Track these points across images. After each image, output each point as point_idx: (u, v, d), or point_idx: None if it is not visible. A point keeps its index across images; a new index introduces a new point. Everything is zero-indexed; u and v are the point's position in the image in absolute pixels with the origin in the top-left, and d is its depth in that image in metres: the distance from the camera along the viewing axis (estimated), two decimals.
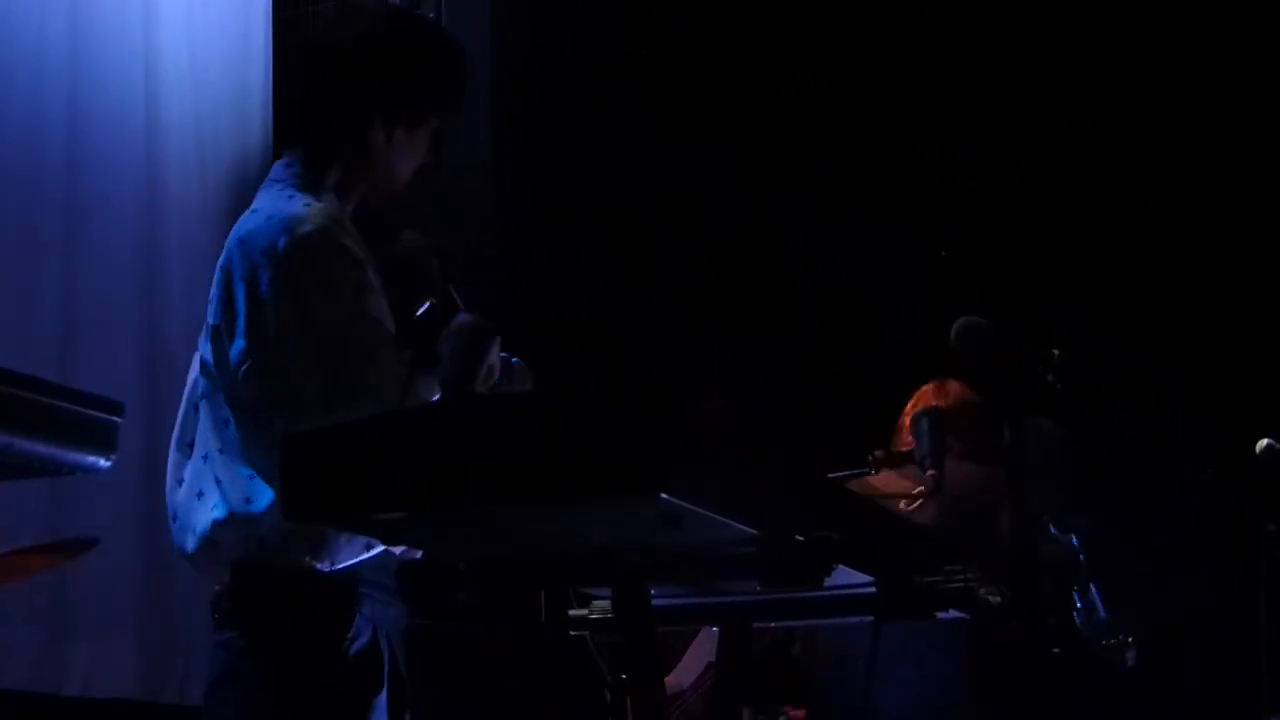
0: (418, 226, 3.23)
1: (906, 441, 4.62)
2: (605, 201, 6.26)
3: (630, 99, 6.10)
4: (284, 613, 2.90)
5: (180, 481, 3.04)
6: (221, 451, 2.94)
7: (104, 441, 2.63)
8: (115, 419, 2.65)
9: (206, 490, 2.96)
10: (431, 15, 5.21)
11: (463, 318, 3.01)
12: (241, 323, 2.91)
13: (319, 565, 2.88)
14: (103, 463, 2.65)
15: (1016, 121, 6.35)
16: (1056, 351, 3.37)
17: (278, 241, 2.88)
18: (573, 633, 2.63)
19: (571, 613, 2.64)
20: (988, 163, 6.29)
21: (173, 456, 3.08)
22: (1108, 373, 3.50)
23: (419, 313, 2.97)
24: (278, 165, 3.11)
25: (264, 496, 2.87)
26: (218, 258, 3.02)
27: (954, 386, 4.49)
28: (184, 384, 3.14)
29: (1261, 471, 4.28)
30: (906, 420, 4.67)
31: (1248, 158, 6.31)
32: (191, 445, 3.03)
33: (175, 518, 3.04)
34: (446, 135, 5.21)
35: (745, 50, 6.33)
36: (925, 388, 4.53)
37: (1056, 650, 4.20)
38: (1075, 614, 4.22)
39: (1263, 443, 4.36)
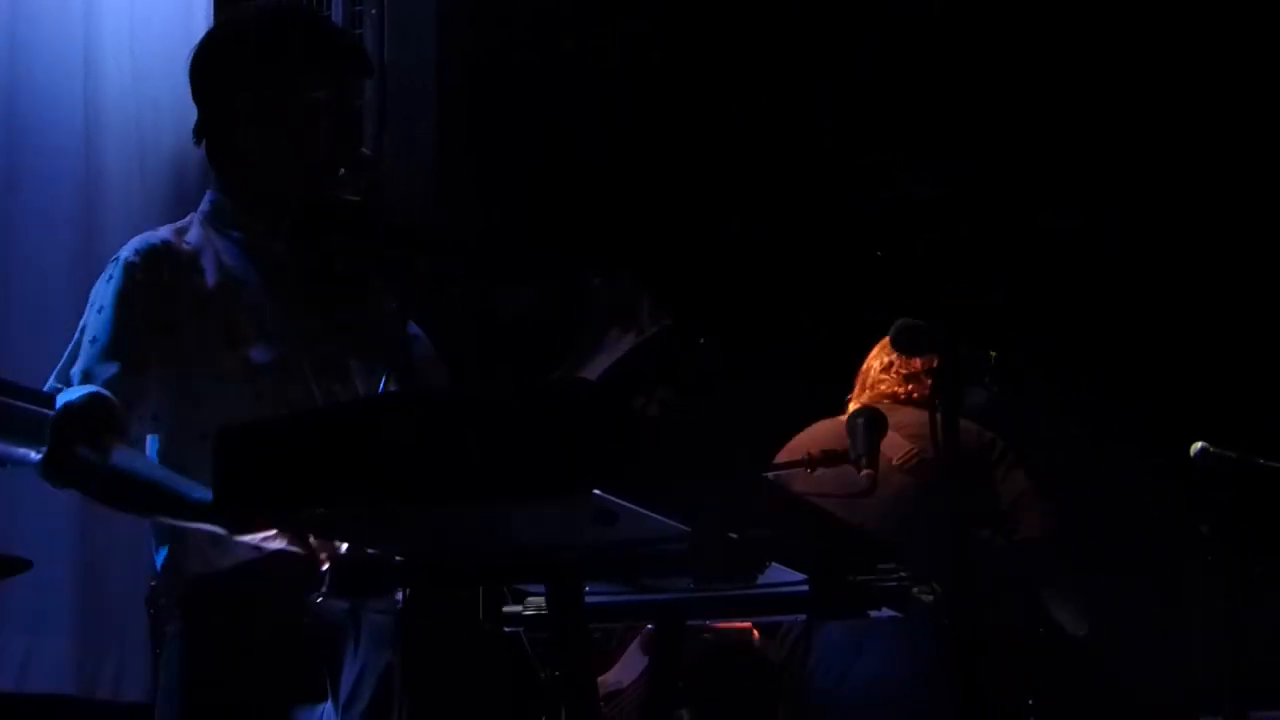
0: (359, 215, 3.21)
1: (866, 388, 4.69)
2: (551, 192, 6.27)
3: (576, 89, 6.10)
4: (208, 609, 2.89)
5: None
6: None
7: (35, 434, 2.62)
8: (46, 411, 2.64)
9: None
10: (374, 11, 5.20)
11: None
12: None
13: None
14: (34, 455, 2.64)
15: (955, 129, 6.39)
16: (993, 353, 3.40)
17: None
18: (507, 629, 2.63)
19: (506, 609, 2.63)
20: (930, 168, 6.33)
21: None
22: (1043, 375, 3.53)
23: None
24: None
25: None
26: None
27: None
28: None
29: (1196, 474, 4.31)
30: (872, 364, 4.73)
31: (1193, 162, 6.38)
32: None
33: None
34: (390, 129, 5.21)
35: (690, 42, 6.35)
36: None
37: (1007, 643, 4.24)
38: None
39: (1197, 445, 4.39)
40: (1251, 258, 6.36)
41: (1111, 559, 5.02)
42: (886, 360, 4.66)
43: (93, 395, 2.80)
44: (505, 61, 6.02)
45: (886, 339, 4.69)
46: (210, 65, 3.07)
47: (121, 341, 2.88)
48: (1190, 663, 4.20)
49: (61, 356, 2.90)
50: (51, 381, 2.88)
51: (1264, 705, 4.53)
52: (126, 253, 2.98)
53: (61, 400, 2.79)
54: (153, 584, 2.97)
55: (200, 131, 3.09)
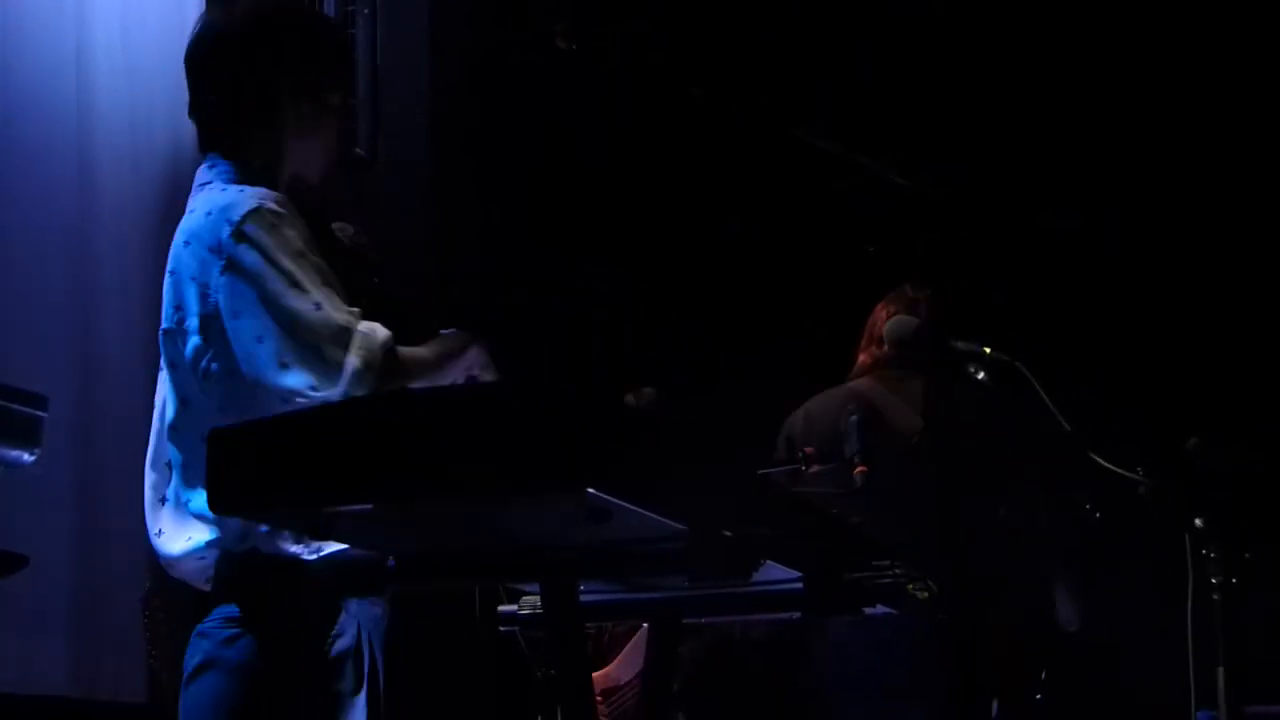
0: (350, 220, 3.22)
1: (875, 339, 4.70)
2: (548, 192, 6.26)
3: (573, 89, 6.10)
4: (269, 602, 2.88)
5: (163, 500, 2.98)
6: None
7: (29, 436, 2.61)
8: (40, 413, 2.63)
9: (183, 499, 2.93)
10: (367, 11, 5.20)
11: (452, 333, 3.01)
12: (194, 321, 2.88)
13: (303, 552, 2.85)
14: (26, 457, 2.64)
15: (955, 128, 6.39)
16: (987, 349, 3.40)
17: (221, 232, 2.86)
18: (502, 628, 2.63)
19: (501, 608, 2.63)
20: (930, 168, 6.32)
21: (150, 477, 3.03)
22: (1036, 368, 3.53)
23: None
24: (201, 169, 3.08)
25: None
26: (151, 253, 3.00)
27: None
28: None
29: (1191, 468, 4.31)
30: (880, 315, 4.74)
31: (1193, 162, 6.37)
32: (170, 465, 2.98)
33: (161, 533, 2.99)
34: (384, 129, 5.20)
35: (690, 42, 6.35)
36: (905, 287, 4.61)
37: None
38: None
39: (1192, 439, 4.38)
40: (1250, 257, 6.36)
41: (1110, 557, 5.02)
42: (892, 310, 4.68)
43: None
44: (500, 61, 6.02)
45: (895, 290, 4.72)
46: (266, 40, 3.04)
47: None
48: (1186, 657, 4.19)
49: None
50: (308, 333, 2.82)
51: (1260, 699, 4.53)
52: (269, 204, 2.91)
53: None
54: (149, 584, 2.97)
55: (227, 104, 3.04)
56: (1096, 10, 6.40)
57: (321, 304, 2.81)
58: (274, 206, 2.88)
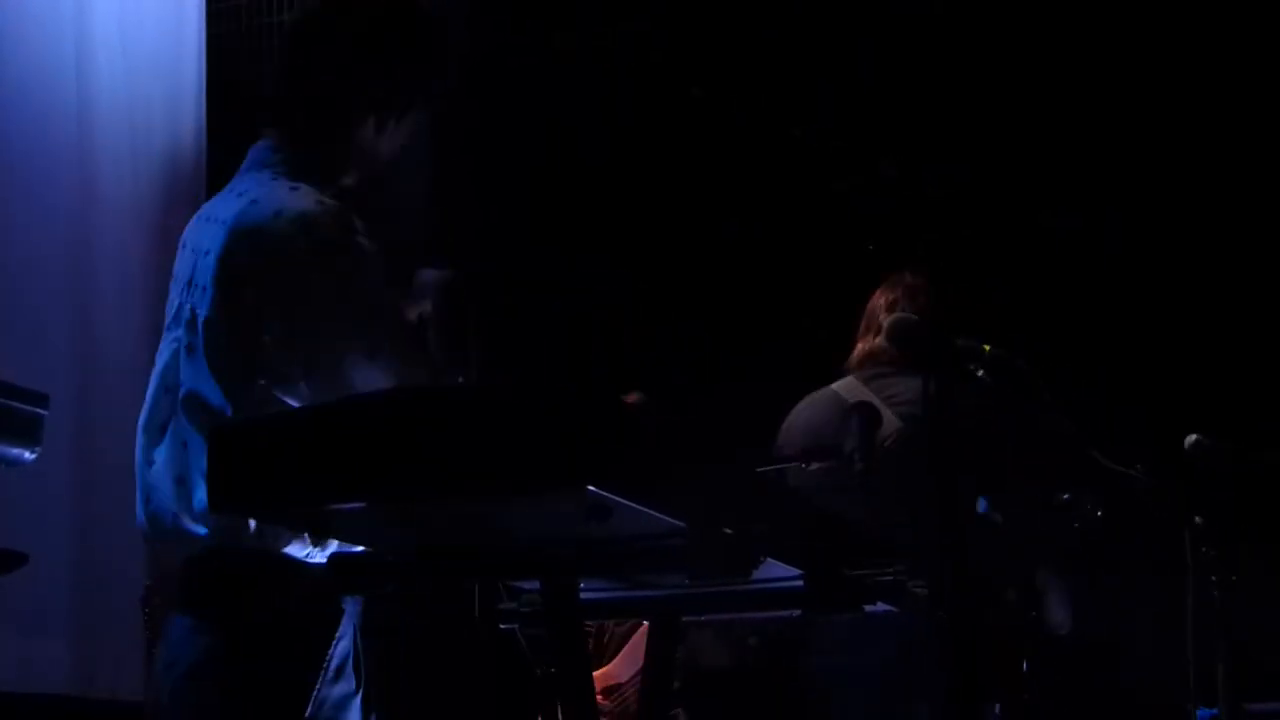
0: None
1: (874, 328, 4.69)
2: (549, 193, 6.27)
3: (575, 90, 6.11)
4: (249, 600, 2.85)
5: (152, 463, 2.91)
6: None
7: (29, 434, 2.61)
8: (40, 411, 2.63)
9: (191, 480, 2.87)
10: None
11: (430, 275, 2.95)
12: (244, 322, 2.79)
13: (299, 552, 2.83)
14: (27, 455, 2.63)
15: (955, 128, 6.39)
16: (986, 346, 3.40)
17: (295, 241, 2.76)
18: (502, 626, 2.63)
19: (501, 606, 2.63)
20: (930, 168, 6.33)
21: (142, 439, 2.94)
22: (1036, 367, 3.53)
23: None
24: (259, 148, 2.96)
25: None
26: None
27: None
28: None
29: (1190, 467, 4.31)
30: (879, 301, 4.73)
31: (1193, 162, 6.38)
32: (164, 429, 2.92)
33: (149, 499, 2.93)
34: None
35: (690, 42, 6.36)
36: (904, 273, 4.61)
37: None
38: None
39: (1191, 438, 4.39)
40: (1250, 257, 6.36)
41: (1109, 557, 5.02)
42: (891, 298, 4.68)
43: None
44: (501, 64, 6.02)
45: (893, 275, 4.72)
46: (378, 45, 2.94)
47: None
48: (1185, 655, 4.19)
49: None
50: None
51: (1260, 697, 4.53)
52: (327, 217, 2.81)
53: None
54: (149, 583, 2.96)
55: (316, 97, 2.93)
56: (1096, 10, 6.41)
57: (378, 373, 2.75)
58: (359, 239, 2.79)
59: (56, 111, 4.76)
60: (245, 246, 2.80)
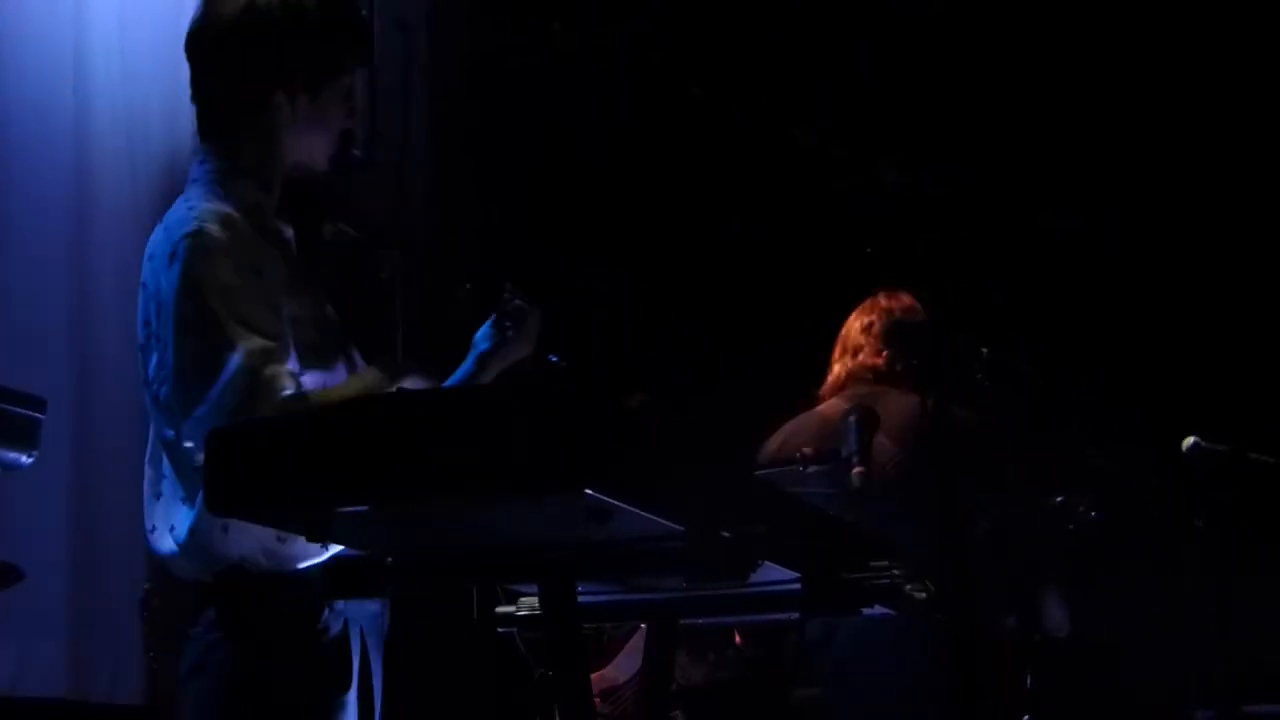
0: (349, 221, 3.21)
1: (849, 350, 4.68)
2: (549, 193, 6.26)
3: (574, 89, 6.10)
4: (248, 605, 2.87)
5: (158, 496, 2.98)
6: (173, 473, 2.92)
7: (26, 438, 2.61)
8: (38, 415, 2.63)
9: (174, 514, 2.93)
10: (365, 12, 5.18)
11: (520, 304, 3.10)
12: (152, 339, 2.88)
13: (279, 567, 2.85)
14: (24, 459, 2.63)
15: (955, 128, 6.39)
16: (985, 349, 3.40)
17: (170, 252, 2.85)
18: (500, 629, 2.63)
19: (499, 609, 2.63)
20: (930, 168, 6.32)
21: (148, 472, 3.03)
22: (1035, 369, 3.53)
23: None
24: (193, 166, 3.05)
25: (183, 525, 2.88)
26: None
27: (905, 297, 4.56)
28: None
29: (1188, 469, 4.31)
30: (854, 326, 4.72)
31: (1193, 162, 6.37)
32: (154, 464, 3.00)
33: (154, 529, 2.99)
34: (382, 132, 5.20)
35: (690, 42, 6.35)
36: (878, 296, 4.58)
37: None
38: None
39: (1189, 440, 4.39)
40: (1250, 257, 6.36)
41: (1109, 558, 5.02)
42: (866, 320, 4.66)
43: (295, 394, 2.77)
44: (500, 63, 6.02)
45: (868, 299, 4.70)
46: (267, 28, 2.99)
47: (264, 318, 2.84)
48: (1185, 657, 4.19)
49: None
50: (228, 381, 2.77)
51: (1259, 699, 4.53)
52: (210, 225, 2.88)
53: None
54: (147, 586, 2.97)
55: (224, 91, 3.01)
56: (1096, 11, 6.40)
57: (232, 342, 2.77)
58: (213, 231, 2.85)
59: (54, 114, 4.74)
60: (148, 268, 2.91)
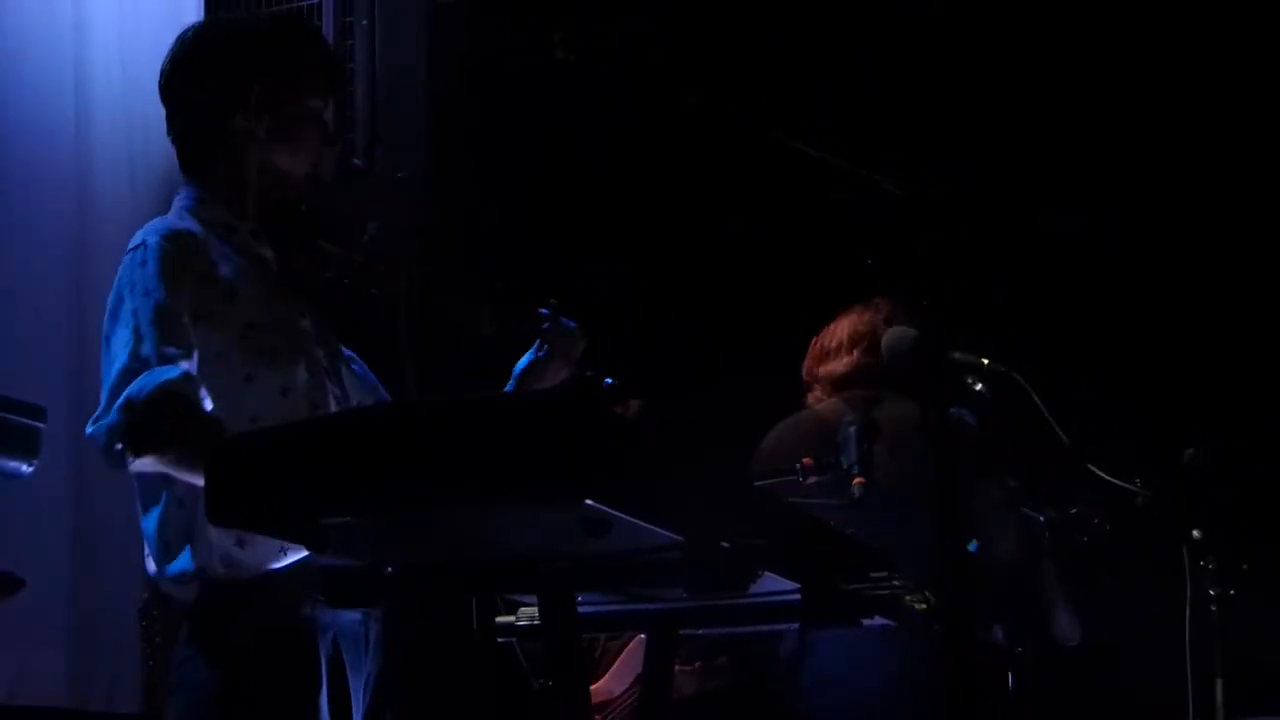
0: (349, 229, 3.22)
1: (821, 356, 4.64)
2: (548, 196, 6.26)
3: (573, 93, 6.10)
4: (220, 617, 2.89)
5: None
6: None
7: (26, 446, 2.61)
8: (38, 424, 2.63)
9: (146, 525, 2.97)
10: (365, 22, 5.18)
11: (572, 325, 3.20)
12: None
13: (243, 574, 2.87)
14: (25, 468, 2.64)
15: (955, 128, 6.38)
16: (985, 360, 3.39)
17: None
18: (500, 639, 2.63)
19: (499, 619, 2.63)
20: (930, 168, 6.32)
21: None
22: (1035, 372, 3.53)
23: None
24: (175, 199, 3.15)
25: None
26: None
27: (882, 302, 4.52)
28: None
29: (1189, 479, 4.31)
30: (835, 331, 4.67)
31: (1193, 162, 6.37)
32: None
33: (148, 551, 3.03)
34: (382, 141, 5.20)
35: (690, 42, 6.34)
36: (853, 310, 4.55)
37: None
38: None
39: (1189, 450, 4.38)
40: (1251, 260, 6.35)
41: (1108, 563, 5.02)
42: (867, 319, 4.61)
43: (185, 374, 2.79)
44: (499, 72, 6.01)
45: (868, 300, 4.66)
46: (221, 56, 3.10)
47: (177, 327, 2.86)
48: (1184, 668, 4.19)
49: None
50: (114, 376, 2.89)
51: (1255, 711, 4.52)
52: (152, 237, 2.95)
53: (157, 379, 2.75)
54: (147, 595, 2.98)
55: (191, 124, 3.08)
56: (1095, 11, 6.40)
57: (133, 345, 2.87)
58: (155, 242, 2.93)
59: (55, 124, 4.74)
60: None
